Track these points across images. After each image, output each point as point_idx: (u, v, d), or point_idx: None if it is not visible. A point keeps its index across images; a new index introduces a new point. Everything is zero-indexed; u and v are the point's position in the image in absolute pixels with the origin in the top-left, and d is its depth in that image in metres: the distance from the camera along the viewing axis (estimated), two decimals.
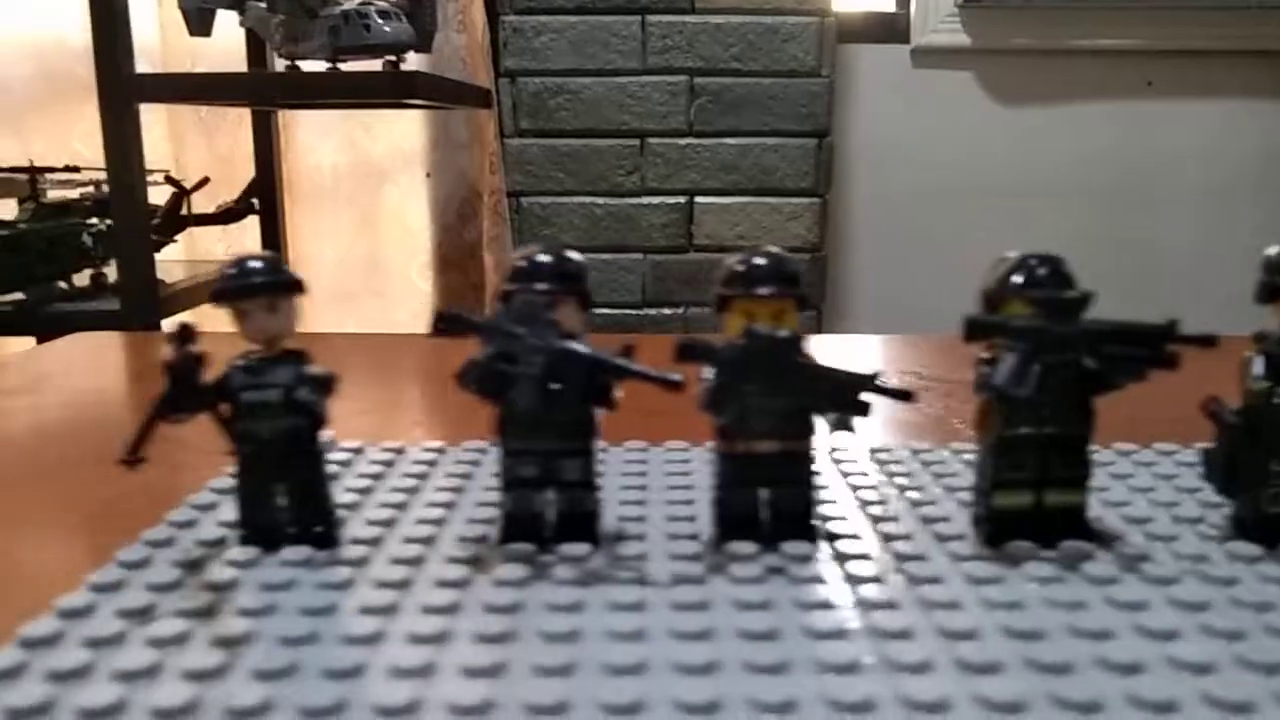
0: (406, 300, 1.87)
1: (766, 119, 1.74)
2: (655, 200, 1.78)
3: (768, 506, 0.39)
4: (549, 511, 0.39)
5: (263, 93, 1.52)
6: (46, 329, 1.55)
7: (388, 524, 0.42)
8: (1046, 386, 0.36)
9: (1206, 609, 0.33)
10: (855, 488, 0.45)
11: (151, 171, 1.40)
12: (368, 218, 1.88)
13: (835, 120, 1.77)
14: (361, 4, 1.38)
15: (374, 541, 0.40)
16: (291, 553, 0.38)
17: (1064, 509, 0.38)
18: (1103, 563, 0.37)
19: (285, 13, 1.41)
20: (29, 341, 1.62)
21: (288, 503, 0.39)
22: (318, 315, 1.93)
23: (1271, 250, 0.38)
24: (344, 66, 1.38)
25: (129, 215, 1.34)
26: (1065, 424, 0.38)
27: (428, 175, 1.85)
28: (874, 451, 0.50)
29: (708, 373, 0.38)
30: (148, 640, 0.32)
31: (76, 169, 1.54)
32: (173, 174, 1.57)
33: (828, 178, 1.77)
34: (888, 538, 0.40)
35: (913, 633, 0.32)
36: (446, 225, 1.86)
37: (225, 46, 1.60)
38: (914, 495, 0.44)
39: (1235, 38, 1.77)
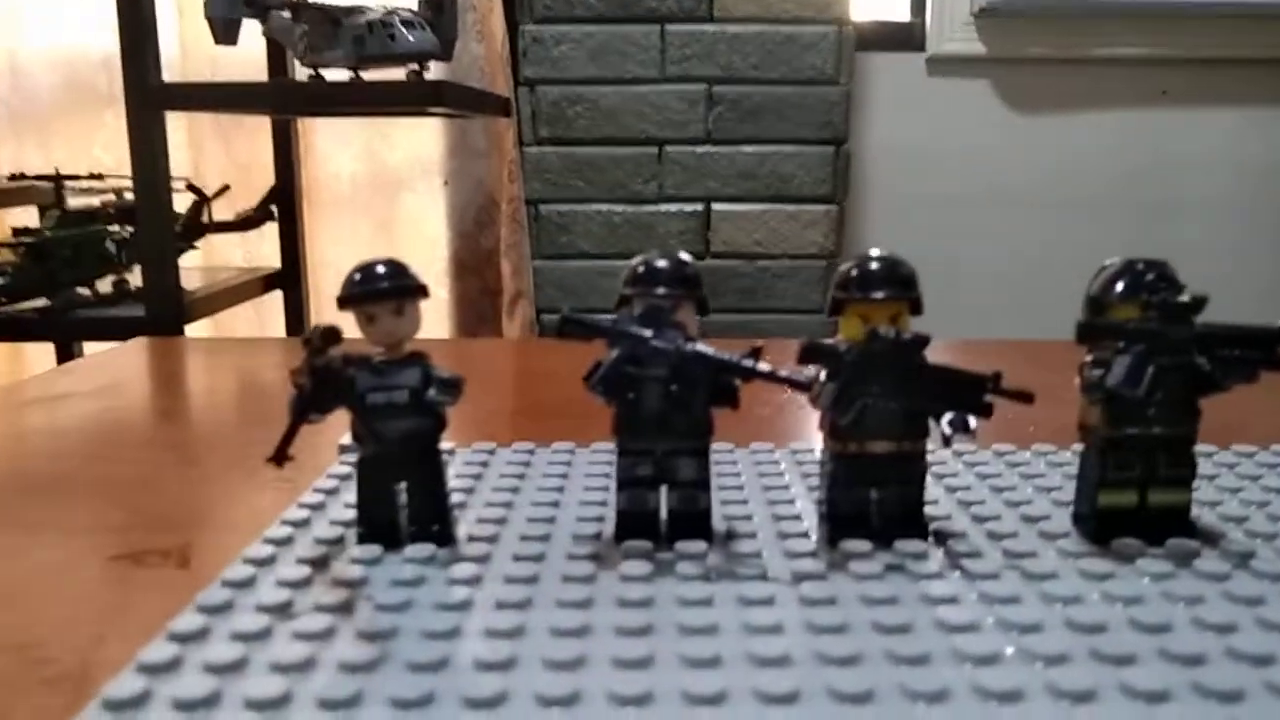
0: (424, 306, 1.87)
1: (784, 127, 1.76)
2: (673, 208, 1.79)
3: (877, 505, 0.40)
4: (662, 509, 0.40)
5: (289, 102, 1.53)
6: (70, 335, 1.56)
7: (500, 522, 0.42)
8: (1158, 388, 0.37)
9: None
10: (952, 489, 0.46)
11: (173, 179, 1.40)
12: (385, 225, 1.89)
13: (852, 128, 1.79)
14: (386, 13, 1.39)
15: (492, 539, 0.41)
16: (414, 550, 0.39)
17: (1169, 508, 0.39)
18: (1211, 559, 0.38)
19: (309, 22, 1.41)
20: (51, 347, 1.63)
21: (409, 501, 0.40)
22: (336, 321, 1.93)
23: None
24: (365, 75, 1.38)
25: (154, 222, 1.35)
26: (1172, 424, 0.39)
27: (445, 183, 1.86)
28: (959, 454, 0.51)
29: (822, 374, 0.39)
30: (295, 634, 0.33)
31: (100, 176, 1.54)
32: (192, 180, 1.58)
33: (844, 185, 1.78)
34: (995, 535, 0.41)
35: (1043, 626, 0.33)
36: (464, 233, 1.86)
37: (243, 56, 1.61)
38: (1009, 495, 0.45)
39: (1250, 46, 1.79)
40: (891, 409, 0.38)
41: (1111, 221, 1.86)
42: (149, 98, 1.31)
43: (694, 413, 0.38)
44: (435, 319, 1.88)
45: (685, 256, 0.40)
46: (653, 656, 0.32)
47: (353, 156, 1.86)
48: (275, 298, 1.71)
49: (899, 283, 0.38)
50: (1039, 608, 0.35)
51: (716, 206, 1.78)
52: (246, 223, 1.70)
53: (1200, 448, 0.50)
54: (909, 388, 0.37)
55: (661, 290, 0.39)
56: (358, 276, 0.38)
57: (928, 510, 0.42)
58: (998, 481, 0.47)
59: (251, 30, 1.45)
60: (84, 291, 1.44)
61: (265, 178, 1.73)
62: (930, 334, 0.37)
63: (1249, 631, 0.33)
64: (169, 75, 1.63)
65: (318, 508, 0.44)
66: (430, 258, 1.88)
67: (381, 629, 0.33)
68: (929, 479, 0.47)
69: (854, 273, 0.39)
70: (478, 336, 1.88)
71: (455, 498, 0.45)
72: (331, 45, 1.40)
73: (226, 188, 1.59)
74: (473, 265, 1.87)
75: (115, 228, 1.45)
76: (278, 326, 1.76)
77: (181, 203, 1.52)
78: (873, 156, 1.88)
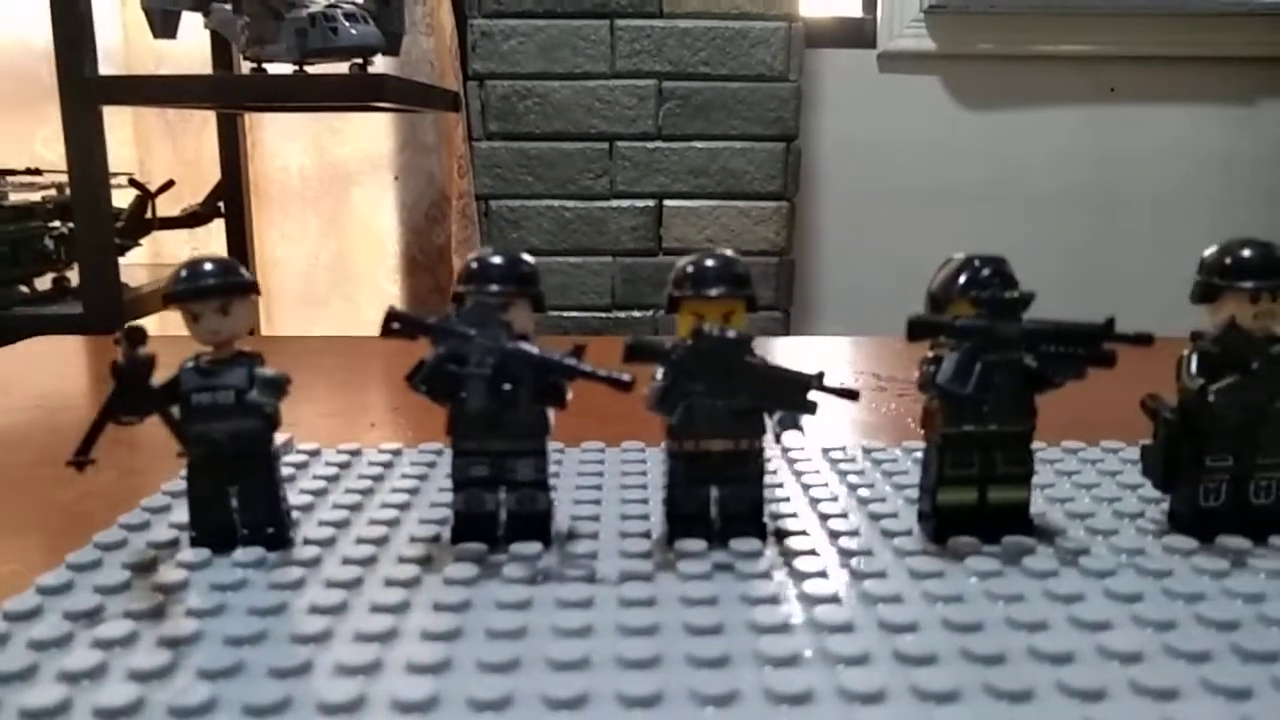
0: (375, 303, 1.86)
1: (735, 123, 1.75)
2: (624, 203, 1.78)
3: (717, 504, 0.40)
4: (500, 511, 0.40)
5: (230, 96, 1.51)
6: (7, 334, 1.54)
7: (341, 525, 0.42)
8: (989, 385, 0.37)
9: (1139, 600, 0.34)
10: (806, 486, 0.46)
11: (115, 174, 1.39)
12: (335, 221, 1.87)
13: (803, 124, 1.78)
14: (329, 6, 1.38)
15: (327, 542, 0.40)
16: (243, 554, 0.38)
17: (1008, 505, 0.39)
18: (1043, 557, 0.38)
19: (251, 15, 1.39)
20: None
21: (240, 504, 0.39)
22: (285, 319, 1.92)
23: (1207, 251, 0.39)
24: (311, 69, 1.37)
25: (91, 219, 1.33)
26: (1008, 421, 0.38)
27: (395, 178, 1.85)
28: (826, 450, 0.51)
29: (658, 373, 0.38)
30: (94, 642, 0.32)
31: (38, 171, 1.52)
32: (137, 177, 1.56)
33: (795, 181, 1.78)
34: (835, 534, 0.40)
35: (854, 626, 0.33)
36: (415, 228, 1.85)
37: (188, 49, 1.60)
38: (863, 493, 0.45)
39: (1194, 44, 1.80)
40: (721, 407, 0.38)
41: (1059, 216, 1.87)
42: (84, 91, 1.29)
43: (525, 412, 0.38)
44: None
45: (525, 255, 0.40)
46: (450, 661, 0.31)
47: (301, 151, 1.85)
48: None
49: (733, 280, 0.38)
50: (855, 608, 0.34)
51: (668, 203, 1.78)
52: (193, 219, 1.68)
53: (1067, 444, 0.50)
54: (734, 386, 0.37)
55: (494, 287, 0.38)
56: (184, 273, 0.38)
57: (775, 508, 0.42)
58: (857, 479, 0.47)
59: (198, 23, 1.43)
60: (22, 289, 1.43)
61: (214, 174, 1.72)
62: (753, 333, 0.37)
63: (1058, 629, 0.33)
64: (112, 68, 1.61)
65: (160, 510, 0.43)
66: (381, 254, 1.87)
67: (183, 635, 0.33)
68: (787, 477, 0.47)
69: (689, 270, 0.38)
70: None
71: (304, 499, 0.44)
72: (274, 39, 1.39)
73: (170, 183, 1.57)
74: (424, 261, 1.86)
75: (55, 224, 1.44)
76: None
77: (124, 199, 1.50)
78: (824, 152, 1.88)
